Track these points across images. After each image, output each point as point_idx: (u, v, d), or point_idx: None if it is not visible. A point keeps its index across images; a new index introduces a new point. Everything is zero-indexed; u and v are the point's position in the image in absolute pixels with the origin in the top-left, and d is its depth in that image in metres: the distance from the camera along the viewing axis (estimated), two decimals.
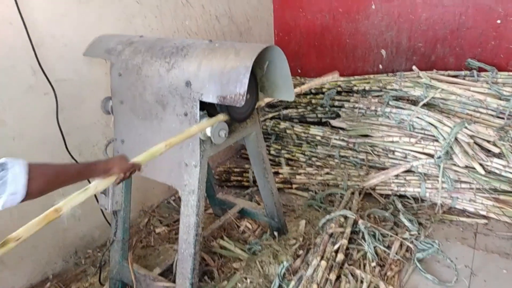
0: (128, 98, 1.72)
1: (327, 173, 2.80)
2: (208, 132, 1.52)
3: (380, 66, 3.29)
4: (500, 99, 2.53)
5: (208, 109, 1.59)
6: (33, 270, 2.07)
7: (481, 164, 2.39)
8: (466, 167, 2.44)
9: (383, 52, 3.23)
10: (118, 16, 2.25)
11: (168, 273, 1.94)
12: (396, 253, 2.09)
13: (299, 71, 3.65)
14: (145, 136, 1.71)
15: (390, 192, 2.64)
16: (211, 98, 1.46)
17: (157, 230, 2.45)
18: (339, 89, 3.13)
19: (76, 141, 2.16)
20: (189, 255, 1.65)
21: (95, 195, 2.19)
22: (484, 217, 2.44)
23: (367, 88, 3.01)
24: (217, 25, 3.03)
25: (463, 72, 2.81)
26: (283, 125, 3.22)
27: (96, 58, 2.07)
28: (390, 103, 2.78)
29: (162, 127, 1.64)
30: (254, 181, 2.86)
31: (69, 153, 2.08)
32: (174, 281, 1.75)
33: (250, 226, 2.42)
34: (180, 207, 1.66)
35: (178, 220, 2.45)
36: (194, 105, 1.52)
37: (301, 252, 2.04)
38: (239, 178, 2.94)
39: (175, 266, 1.87)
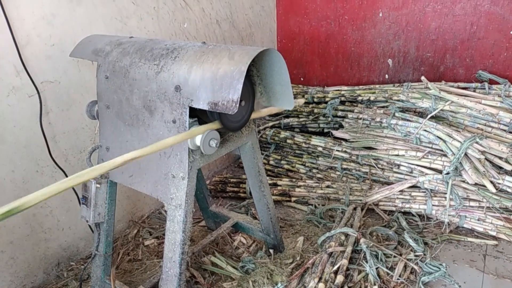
0: (115, 102, 1.60)
1: (328, 186, 2.66)
2: (198, 141, 1.39)
3: (386, 76, 3.17)
4: None
5: (199, 116, 1.47)
6: (11, 283, 1.94)
7: (492, 182, 2.24)
8: (476, 184, 2.29)
9: (390, 61, 3.11)
10: (112, 17, 2.13)
11: None
12: (400, 276, 1.94)
13: (302, 79, 3.53)
14: (132, 144, 1.58)
15: (394, 209, 2.49)
16: (201, 105, 1.34)
17: (146, 243, 2.31)
18: (342, 98, 3.01)
19: (62, 147, 2.04)
20: (174, 275, 1.51)
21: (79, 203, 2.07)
22: (494, 238, 2.29)
23: (372, 98, 2.88)
24: (218, 30, 2.91)
25: (473, 84, 2.68)
26: (283, 134, 3.09)
27: (85, 60, 1.96)
28: (396, 114, 2.64)
29: (149, 134, 1.52)
30: (251, 193, 2.72)
31: (53, 159, 1.96)
32: None
33: (244, 241, 2.28)
34: (166, 223, 1.53)
35: None
36: (183, 112, 1.39)
37: (297, 272, 1.89)
38: (235, 189, 2.81)
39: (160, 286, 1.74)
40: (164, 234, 2.37)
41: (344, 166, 2.80)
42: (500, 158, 2.26)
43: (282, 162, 3.02)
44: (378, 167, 2.67)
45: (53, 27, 1.88)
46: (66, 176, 2.04)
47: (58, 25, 1.89)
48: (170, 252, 1.52)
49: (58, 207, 2.08)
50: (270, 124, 3.22)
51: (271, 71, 1.51)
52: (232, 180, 2.88)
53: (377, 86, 3.00)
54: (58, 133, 2.01)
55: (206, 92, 1.32)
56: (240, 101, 1.43)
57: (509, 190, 2.25)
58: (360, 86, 3.06)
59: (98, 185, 1.65)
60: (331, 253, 1.95)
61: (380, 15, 3.02)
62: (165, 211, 2.65)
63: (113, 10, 2.13)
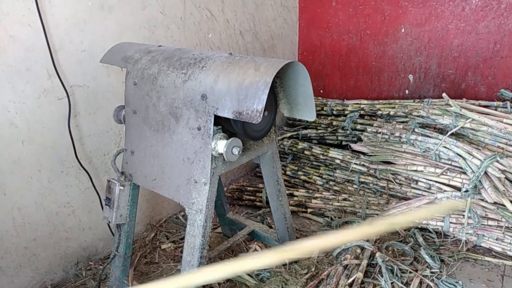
0: (142, 108, 1.65)
1: (345, 199, 2.66)
2: (221, 148, 1.43)
3: (407, 92, 3.17)
4: None
5: (223, 124, 1.51)
6: (32, 279, 2.00)
7: (511, 201, 2.22)
8: (495, 203, 2.27)
9: (411, 77, 3.11)
10: (140, 26, 2.21)
11: None
12: None
13: (322, 91, 3.56)
14: (156, 148, 1.63)
15: (411, 224, 2.48)
16: (226, 113, 1.38)
17: (163, 246, 2.35)
18: (362, 112, 3.02)
19: (88, 149, 2.11)
20: None
21: (101, 204, 2.13)
22: None
23: (391, 113, 2.89)
24: (241, 41, 2.98)
25: (495, 103, 2.67)
26: (301, 145, 3.11)
27: (114, 66, 2.03)
28: (416, 130, 2.64)
29: (174, 140, 1.56)
30: (267, 202, 2.75)
31: (78, 160, 2.03)
32: None
33: (259, 250, 2.29)
34: (186, 227, 1.56)
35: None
36: (208, 119, 1.43)
37: (312, 283, 1.90)
38: (252, 198, 2.84)
39: None
40: (181, 239, 2.43)
41: (362, 180, 2.80)
42: None
43: (299, 173, 3.04)
44: (396, 182, 2.67)
45: (85, 33, 1.96)
46: (90, 177, 2.11)
47: (89, 32, 1.97)
48: (189, 256, 1.55)
49: (80, 207, 2.14)
50: (288, 134, 3.25)
51: (295, 83, 1.55)
52: (249, 188, 2.91)
53: (397, 101, 3.00)
54: (84, 136, 2.08)
55: (231, 101, 1.36)
56: (264, 111, 1.47)
57: None
58: (380, 101, 3.07)
59: (121, 187, 1.70)
60: (347, 265, 1.95)
61: (403, 31, 3.03)
62: (183, 216, 2.69)
63: (142, 19, 2.21)
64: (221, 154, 1.45)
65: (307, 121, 3.27)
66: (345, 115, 3.07)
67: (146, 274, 2.15)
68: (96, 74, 2.05)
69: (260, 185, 2.90)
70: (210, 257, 2.08)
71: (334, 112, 3.15)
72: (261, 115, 1.28)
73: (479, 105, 2.66)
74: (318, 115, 3.26)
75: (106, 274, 2.11)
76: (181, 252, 2.30)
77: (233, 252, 2.26)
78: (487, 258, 2.27)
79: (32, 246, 1.99)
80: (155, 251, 2.35)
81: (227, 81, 1.38)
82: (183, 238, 2.42)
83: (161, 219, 2.65)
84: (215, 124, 1.45)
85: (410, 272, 2.04)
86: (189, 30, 2.52)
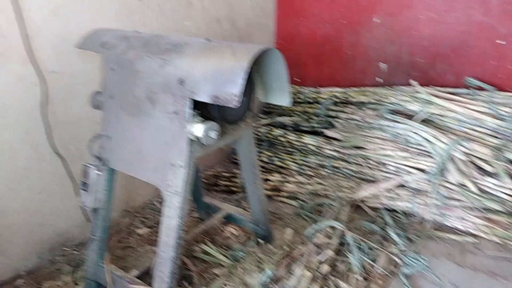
0: (119, 93, 1.67)
1: (318, 183, 2.76)
2: (198, 132, 1.48)
3: (379, 79, 3.27)
4: (497, 118, 2.51)
5: (200, 109, 1.55)
6: (4, 265, 2.00)
7: (474, 183, 2.36)
8: (459, 184, 2.41)
9: (383, 65, 3.21)
10: (116, 12, 2.20)
11: (147, 276, 1.88)
12: (383, 267, 2.05)
13: (297, 80, 3.62)
14: (133, 133, 1.66)
15: (380, 206, 2.60)
16: (203, 97, 1.42)
17: (139, 231, 2.39)
18: (335, 99, 3.11)
19: (63, 136, 2.11)
20: (169, 258, 1.59)
21: (76, 191, 2.13)
22: (473, 235, 2.40)
23: (364, 100, 2.98)
24: (218, 28, 2.99)
25: (461, 90, 2.79)
26: (276, 132, 3.18)
27: (91, 52, 2.02)
28: (386, 116, 2.75)
29: (151, 124, 1.59)
30: (243, 187, 2.81)
31: (54, 147, 2.03)
32: (151, 285, 1.69)
33: (235, 232, 2.36)
34: (163, 209, 1.61)
35: None
36: (185, 104, 1.47)
37: (285, 261, 1.98)
38: (227, 183, 2.89)
39: (153, 269, 1.81)
40: (157, 224, 2.46)
41: (334, 164, 2.89)
42: (483, 160, 2.38)
43: (274, 159, 3.11)
44: (367, 166, 2.77)
45: (60, 19, 1.94)
46: (65, 164, 2.11)
47: (65, 18, 1.96)
48: (166, 237, 1.60)
49: (55, 194, 2.14)
50: (264, 122, 3.30)
51: (271, 69, 1.60)
52: (224, 174, 2.96)
53: (369, 88, 3.10)
54: (60, 122, 2.07)
55: (208, 86, 1.40)
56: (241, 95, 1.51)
57: (490, 191, 2.37)
58: (353, 88, 3.16)
59: (98, 172, 1.72)
60: (319, 244, 2.04)
61: (375, 20, 3.12)
62: (159, 202, 2.72)
63: (118, 5, 2.20)
64: (198, 137, 1.49)
65: (282, 108, 3.34)
66: (319, 103, 3.15)
67: (123, 258, 2.18)
68: (71, 60, 2.04)
69: (236, 171, 2.96)
70: (186, 239, 2.13)
71: (309, 100, 3.22)
72: (239, 99, 1.33)
73: (447, 92, 2.79)
74: (293, 103, 3.32)
75: (81, 259, 2.13)
76: (157, 236, 2.34)
77: (208, 235, 2.32)
78: (450, 236, 2.41)
79: (6, 233, 1.98)
80: (131, 236, 2.38)
81: (205, 66, 1.42)
82: (159, 223, 2.46)
83: (136, 205, 2.67)
84: (193, 108, 1.49)
85: (378, 250, 2.15)
86: (166, 17, 2.52)
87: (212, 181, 2.91)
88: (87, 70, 2.11)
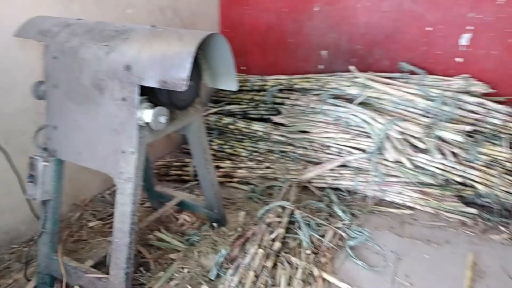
0: (63, 82, 1.64)
1: (267, 167, 2.86)
2: (148, 117, 1.50)
3: (321, 67, 3.42)
4: (427, 99, 2.73)
5: (148, 95, 1.57)
6: None
7: (409, 159, 2.56)
8: (396, 161, 2.61)
9: (324, 53, 3.36)
10: (54, 0, 2.14)
11: (101, 266, 1.88)
12: (330, 241, 2.19)
13: (243, 68, 3.69)
14: (80, 122, 1.64)
15: (325, 185, 2.75)
16: (151, 83, 1.44)
17: (90, 224, 2.36)
18: (281, 87, 3.22)
19: (4, 129, 2.03)
20: (124, 244, 1.61)
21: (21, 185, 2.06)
22: (410, 208, 2.62)
23: (307, 87, 3.12)
24: (161, 17, 2.98)
25: (396, 74, 3.00)
26: (226, 120, 3.23)
27: (29, 41, 1.95)
28: (328, 101, 2.90)
29: (99, 112, 1.59)
30: (195, 175, 2.85)
31: None
32: (107, 273, 1.70)
33: (188, 219, 2.40)
34: (116, 196, 1.62)
35: (112, 213, 2.39)
36: (133, 90, 1.48)
37: (239, 241, 2.06)
38: (178, 172, 2.92)
39: (108, 258, 1.82)
40: (109, 216, 2.45)
41: (282, 149, 3.01)
42: (416, 138, 2.59)
43: (225, 146, 3.17)
44: (312, 149, 2.91)
45: None
46: (8, 158, 2.04)
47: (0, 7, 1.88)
48: (120, 223, 1.61)
49: None
50: (213, 110, 3.35)
51: (217, 55, 1.65)
52: (175, 163, 2.98)
53: (312, 75, 3.24)
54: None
55: (156, 71, 1.43)
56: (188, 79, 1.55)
57: (423, 166, 2.59)
58: (297, 76, 3.28)
59: (45, 163, 1.69)
60: (270, 223, 2.14)
61: (316, 9, 3.25)
62: (109, 194, 2.69)
63: None
64: (148, 123, 1.51)
65: (230, 97, 3.40)
66: (266, 90, 3.24)
67: (75, 252, 2.15)
68: (9, 50, 1.96)
69: (187, 160, 2.99)
70: (140, 228, 2.14)
71: (256, 88, 3.31)
72: (186, 83, 1.37)
73: (383, 77, 2.98)
74: (241, 91, 3.39)
75: (32, 254, 2.07)
76: (110, 228, 2.33)
77: (162, 223, 2.34)
78: (390, 210, 2.61)
79: None
80: (82, 230, 2.34)
81: (151, 51, 1.44)
82: (110, 215, 2.44)
83: (86, 198, 2.62)
84: (141, 94, 1.50)
85: (325, 226, 2.29)
86: (106, 5, 2.47)
87: (163, 171, 2.92)
88: (27, 60, 2.04)
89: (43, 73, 1.68)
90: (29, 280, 1.86)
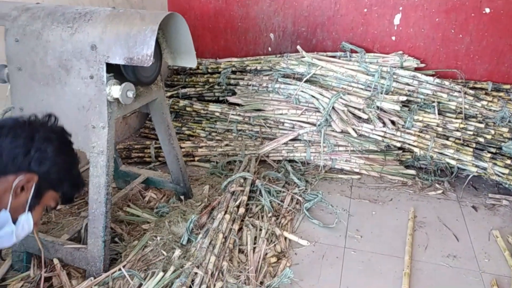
0: (27, 64, 1.70)
1: (227, 145, 3.02)
2: (116, 93, 1.60)
3: (269, 49, 3.61)
4: (367, 74, 3.01)
5: (113, 72, 1.67)
6: None
7: (353, 129, 2.83)
8: (342, 132, 2.87)
9: (272, 35, 3.55)
10: None
11: (76, 241, 1.96)
12: (288, 205, 2.42)
13: (195, 52, 3.79)
14: (47, 102, 1.71)
15: (281, 158, 2.97)
16: (117, 60, 1.55)
17: (58, 207, 2.40)
18: (233, 69, 3.37)
19: None
20: (100, 214, 1.71)
21: None
22: (357, 173, 2.90)
23: (258, 67, 3.30)
24: (111, 3, 3.02)
25: (338, 53, 3.26)
26: (182, 103, 3.34)
27: None
28: (279, 80, 3.10)
29: (67, 91, 1.67)
30: (156, 157, 2.95)
31: None
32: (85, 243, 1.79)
33: (155, 196, 2.51)
34: (89, 170, 1.71)
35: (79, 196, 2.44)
36: (100, 68, 1.58)
37: (206, 210, 2.22)
38: (140, 155, 3.00)
39: (84, 230, 1.91)
40: (75, 198, 2.49)
41: (239, 128, 3.18)
42: (359, 109, 2.86)
43: (183, 128, 3.28)
44: (267, 126, 3.11)
45: None
46: None
47: None
48: (95, 195, 1.71)
49: None
50: (169, 94, 3.44)
51: (176, 34, 1.78)
52: (136, 146, 3.05)
53: (262, 57, 3.43)
54: None
55: (121, 49, 1.54)
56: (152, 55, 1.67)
57: (366, 134, 2.87)
58: (248, 58, 3.46)
59: None
60: (233, 192, 2.31)
61: None
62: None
63: None
64: (116, 98, 1.62)
65: (185, 80, 3.50)
66: (219, 73, 3.39)
67: (46, 232, 2.19)
68: None
69: (147, 143, 3.07)
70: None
71: (209, 70, 3.44)
72: (151, 58, 1.50)
73: (327, 56, 3.23)
74: (195, 74, 3.51)
75: None
76: (78, 209, 2.39)
77: (130, 201, 2.44)
78: (340, 176, 2.88)
79: None
80: (50, 213, 2.38)
81: (116, 30, 1.55)
82: (77, 197, 2.49)
83: None
84: (107, 72, 1.60)
85: (283, 192, 2.51)
86: None
87: (124, 154, 2.99)
88: None
89: (6, 56, 1.72)
90: (4, 260, 1.91)
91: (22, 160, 1.10)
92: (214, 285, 1.74)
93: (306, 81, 3.01)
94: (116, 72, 1.67)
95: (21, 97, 1.75)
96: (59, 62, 1.64)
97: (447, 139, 2.85)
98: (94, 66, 1.59)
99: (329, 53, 3.28)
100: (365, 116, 2.85)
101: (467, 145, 2.82)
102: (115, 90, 1.61)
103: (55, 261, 1.82)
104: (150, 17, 1.57)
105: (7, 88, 1.79)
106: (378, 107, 2.88)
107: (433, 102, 2.95)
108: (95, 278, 1.74)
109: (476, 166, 2.68)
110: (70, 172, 1.23)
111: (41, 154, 1.11)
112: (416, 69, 3.13)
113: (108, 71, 1.61)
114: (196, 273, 1.72)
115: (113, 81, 1.61)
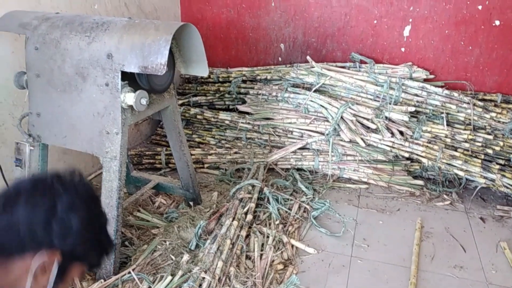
0: (45, 71, 1.77)
1: (236, 153, 3.06)
2: (130, 100, 1.66)
3: (280, 59, 3.66)
4: (376, 85, 3.04)
5: (128, 80, 1.73)
6: None
7: (362, 139, 2.85)
8: (350, 141, 2.89)
9: (282, 46, 3.60)
10: None
11: None
12: (296, 213, 2.44)
13: (208, 62, 3.86)
14: (64, 108, 1.77)
15: (289, 166, 3.00)
16: (132, 68, 1.61)
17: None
18: (244, 78, 3.43)
19: None
20: (112, 217, 1.76)
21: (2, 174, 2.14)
22: (365, 183, 2.92)
23: (268, 77, 3.35)
24: (126, 12, 3.10)
25: (348, 64, 3.29)
26: (193, 111, 3.40)
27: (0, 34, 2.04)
28: (289, 89, 3.14)
29: (83, 98, 1.73)
30: (167, 163, 3.00)
31: None
32: None
33: (164, 202, 2.56)
34: (102, 174, 1.76)
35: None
36: (115, 76, 1.64)
37: (215, 216, 2.25)
38: (151, 161, 3.05)
39: None
40: None
41: (248, 136, 3.22)
42: (367, 119, 2.88)
43: (194, 136, 3.34)
44: (276, 134, 3.15)
45: None
46: None
47: None
48: (107, 199, 1.76)
49: None
50: (180, 102, 3.50)
51: (188, 44, 1.84)
52: (147, 153, 3.11)
53: (272, 67, 3.48)
54: None
55: (136, 58, 1.60)
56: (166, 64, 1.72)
57: (374, 144, 2.89)
58: (259, 67, 3.51)
59: (32, 147, 1.80)
60: (241, 199, 2.35)
61: (273, 4, 3.48)
62: (93, 179, 2.78)
63: None
64: (130, 105, 1.68)
65: (197, 89, 3.57)
66: (230, 82, 3.45)
67: None
68: None
69: (158, 149, 3.13)
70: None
71: (220, 79, 3.50)
72: (165, 67, 1.55)
73: (336, 66, 3.27)
74: (206, 83, 3.58)
75: None
76: None
77: (140, 206, 2.48)
78: (347, 185, 2.90)
79: None
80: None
81: (131, 40, 1.61)
82: None
83: None
84: (121, 80, 1.66)
85: (291, 200, 2.53)
86: (75, 1, 2.58)
87: (135, 160, 3.04)
88: (1, 54, 2.12)
89: (25, 64, 1.79)
90: None
91: (42, 235, 0.91)
92: None
93: (315, 91, 3.05)
94: (131, 80, 1.73)
95: (39, 103, 1.82)
96: (76, 69, 1.71)
97: (456, 150, 2.86)
98: (110, 74, 1.65)
99: (339, 64, 3.32)
100: (373, 126, 2.87)
101: (476, 157, 2.82)
102: (129, 98, 1.66)
103: None
104: (164, 27, 1.63)
105: (26, 94, 1.85)
106: (386, 117, 2.90)
107: (442, 113, 2.96)
108: (105, 280, 1.78)
109: (485, 177, 2.68)
110: (98, 241, 1.04)
111: (65, 226, 0.93)
112: (425, 80, 3.15)
113: (123, 79, 1.67)
114: (203, 278, 1.76)
115: (127, 89, 1.67)
